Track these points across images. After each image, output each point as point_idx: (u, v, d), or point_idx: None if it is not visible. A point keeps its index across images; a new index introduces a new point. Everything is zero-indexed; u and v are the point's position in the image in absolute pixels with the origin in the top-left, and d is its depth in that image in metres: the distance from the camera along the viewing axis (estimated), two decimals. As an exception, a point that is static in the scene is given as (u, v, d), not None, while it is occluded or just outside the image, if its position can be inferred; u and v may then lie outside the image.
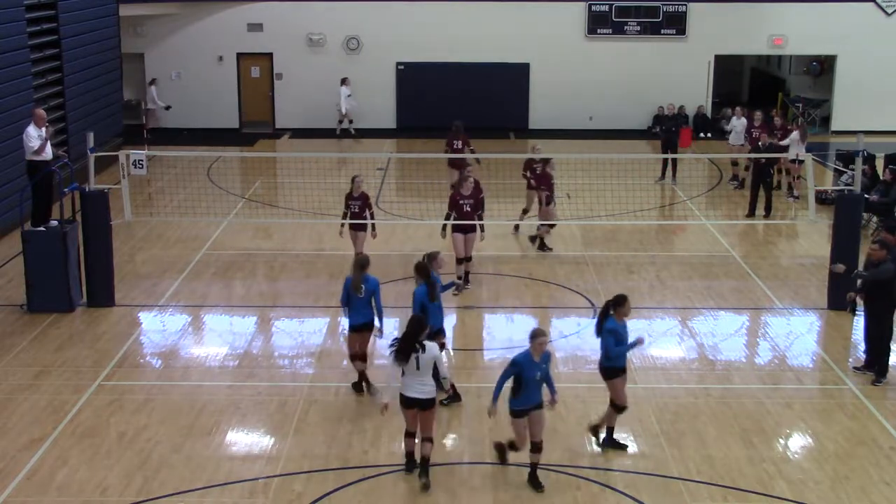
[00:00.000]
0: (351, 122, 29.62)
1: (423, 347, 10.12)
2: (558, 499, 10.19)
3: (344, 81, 29.43)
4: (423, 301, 11.76)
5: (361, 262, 12.36)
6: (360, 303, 12.15)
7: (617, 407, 11.14)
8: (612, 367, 11.01)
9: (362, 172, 18.16)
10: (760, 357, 14.24)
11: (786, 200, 22.28)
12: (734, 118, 24.62)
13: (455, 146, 21.41)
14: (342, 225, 16.51)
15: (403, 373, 10.14)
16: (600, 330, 10.97)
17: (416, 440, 10.44)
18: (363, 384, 12.54)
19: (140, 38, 30.12)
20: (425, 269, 12.03)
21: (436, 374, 10.32)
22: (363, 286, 12.10)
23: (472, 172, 17.33)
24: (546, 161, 18.33)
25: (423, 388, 10.17)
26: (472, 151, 21.30)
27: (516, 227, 19.58)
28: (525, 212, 19.48)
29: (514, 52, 30.20)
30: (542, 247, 18.47)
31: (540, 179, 18.16)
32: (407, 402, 10.23)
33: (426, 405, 10.19)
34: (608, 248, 18.75)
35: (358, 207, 16.35)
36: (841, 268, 13.74)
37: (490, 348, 14.36)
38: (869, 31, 30.19)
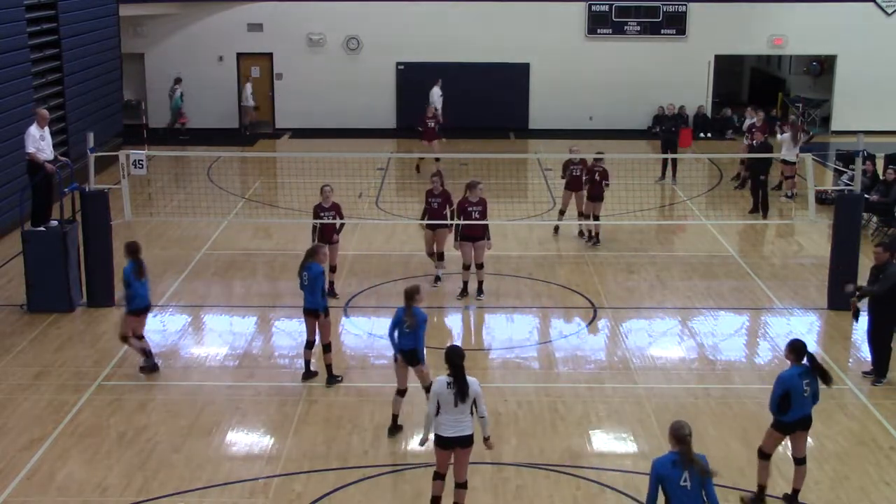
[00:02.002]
0: (439, 122, 29.35)
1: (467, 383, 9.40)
2: (558, 498, 10.19)
3: (436, 82, 29.33)
4: (129, 278, 12.73)
5: (309, 251, 12.89)
6: (304, 289, 12.65)
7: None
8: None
9: (331, 181, 17.14)
10: (760, 357, 14.24)
11: (782, 200, 22.29)
12: (747, 118, 24.75)
13: (428, 124, 24.88)
14: (314, 240, 15.42)
15: (439, 411, 9.40)
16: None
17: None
18: (308, 372, 12.93)
19: (140, 38, 30.12)
20: (133, 247, 13.06)
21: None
22: (305, 273, 12.57)
23: (439, 178, 16.61)
24: (598, 160, 18.69)
25: (462, 425, 9.36)
26: (440, 125, 25.34)
27: (556, 229, 19.63)
28: (562, 213, 19.48)
29: (514, 52, 30.21)
30: (596, 240, 18.83)
31: (603, 176, 18.52)
32: (445, 443, 9.41)
33: (466, 442, 9.45)
34: (608, 248, 18.75)
35: (331, 219, 15.65)
36: (850, 287, 13.50)
37: (490, 348, 14.36)
38: (869, 31, 30.20)
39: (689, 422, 11.66)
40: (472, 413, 9.45)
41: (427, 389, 11.17)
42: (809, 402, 9.77)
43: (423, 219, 16.68)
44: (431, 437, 9.63)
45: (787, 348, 9.97)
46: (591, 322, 15.17)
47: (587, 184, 18.61)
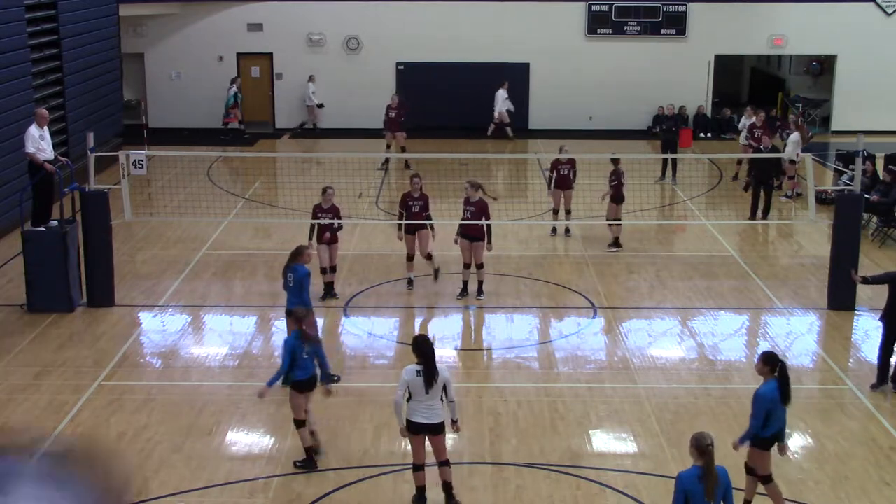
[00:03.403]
0: (508, 124, 29.30)
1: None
2: (558, 498, 10.20)
3: (503, 84, 29.15)
4: None
5: (293, 252, 12.80)
6: (289, 290, 12.67)
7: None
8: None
9: (331, 182, 17.22)
10: (760, 357, 14.22)
11: (781, 200, 22.30)
12: (744, 118, 24.79)
13: (390, 115, 25.85)
14: (310, 240, 15.48)
15: (410, 397, 9.70)
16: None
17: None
18: None
19: (140, 38, 30.11)
20: None
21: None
22: (290, 275, 12.57)
23: (419, 181, 16.18)
24: (616, 161, 18.67)
25: (432, 412, 9.69)
26: (403, 118, 25.82)
27: (554, 230, 19.63)
28: (555, 212, 19.54)
29: (514, 52, 30.20)
30: (616, 244, 18.68)
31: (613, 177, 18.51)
32: (415, 428, 9.71)
33: (436, 430, 9.74)
34: (608, 248, 18.73)
35: (329, 220, 15.61)
36: (859, 279, 13.52)
37: (490, 348, 14.36)
38: (869, 31, 30.19)
39: (688, 422, 11.77)
40: (442, 401, 9.72)
41: (299, 423, 10.75)
42: (784, 415, 9.59)
43: (400, 225, 16.28)
44: None
45: (761, 361, 9.56)
46: (591, 322, 15.17)
47: (611, 188, 18.53)
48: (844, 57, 30.55)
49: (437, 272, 16.54)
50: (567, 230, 19.54)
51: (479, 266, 15.91)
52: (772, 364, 9.49)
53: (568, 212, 19.39)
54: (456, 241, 15.94)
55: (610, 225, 18.70)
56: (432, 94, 29.50)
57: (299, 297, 12.51)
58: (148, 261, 17.99)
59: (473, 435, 11.48)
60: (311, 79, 30.13)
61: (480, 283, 15.98)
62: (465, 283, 16.04)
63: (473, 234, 15.69)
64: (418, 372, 9.63)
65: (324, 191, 15.74)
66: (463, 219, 15.70)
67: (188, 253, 18.30)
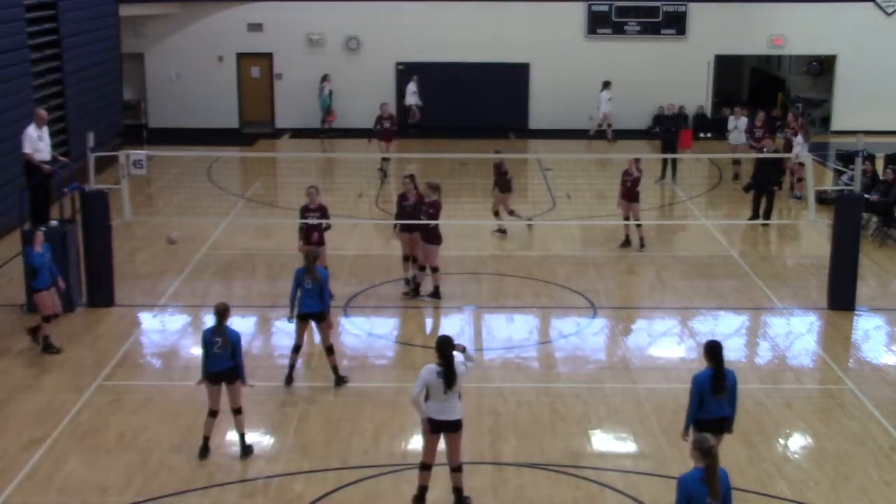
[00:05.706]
0: (610, 125, 29.17)
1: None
2: (558, 499, 10.20)
3: (606, 85, 29.06)
4: None
5: (312, 255, 12.86)
6: (307, 292, 12.61)
7: None
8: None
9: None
10: (760, 357, 14.24)
11: (786, 201, 22.29)
12: (732, 118, 24.77)
13: (383, 124, 24.44)
14: (300, 241, 15.66)
15: (428, 396, 9.67)
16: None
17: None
18: (291, 377, 12.89)
19: (140, 38, 30.09)
20: None
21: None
22: (309, 278, 12.58)
23: (411, 182, 16.32)
24: (637, 160, 18.60)
25: (450, 410, 9.69)
26: (394, 127, 24.75)
27: (502, 230, 19.53)
28: (496, 213, 19.45)
29: (514, 52, 30.18)
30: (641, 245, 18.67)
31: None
32: (436, 427, 9.68)
33: (454, 427, 9.74)
34: (608, 248, 18.75)
35: (317, 220, 15.59)
36: None
37: (490, 348, 14.35)
38: (869, 31, 30.19)
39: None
40: (459, 398, 9.73)
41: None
42: (725, 404, 9.74)
43: (395, 225, 16.37)
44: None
45: (704, 350, 9.86)
46: (591, 322, 15.17)
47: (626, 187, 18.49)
48: (844, 57, 30.55)
49: (407, 281, 16.31)
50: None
51: (434, 269, 15.84)
52: (709, 354, 9.72)
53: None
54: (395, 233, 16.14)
55: (638, 225, 18.60)
56: (432, 93, 29.48)
57: (320, 298, 12.54)
58: (148, 261, 17.98)
59: (473, 435, 11.47)
60: (413, 80, 29.71)
61: (436, 287, 15.89)
62: (414, 279, 15.99)
63: (416, 227, 15.69)
64: (438, 373, 9.57)
65: (307, 191, 15.63)
66: (418, 219, 15.65)
67: (188, 253, 18.29)
